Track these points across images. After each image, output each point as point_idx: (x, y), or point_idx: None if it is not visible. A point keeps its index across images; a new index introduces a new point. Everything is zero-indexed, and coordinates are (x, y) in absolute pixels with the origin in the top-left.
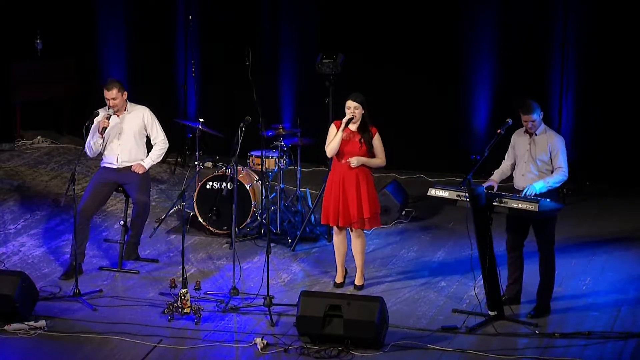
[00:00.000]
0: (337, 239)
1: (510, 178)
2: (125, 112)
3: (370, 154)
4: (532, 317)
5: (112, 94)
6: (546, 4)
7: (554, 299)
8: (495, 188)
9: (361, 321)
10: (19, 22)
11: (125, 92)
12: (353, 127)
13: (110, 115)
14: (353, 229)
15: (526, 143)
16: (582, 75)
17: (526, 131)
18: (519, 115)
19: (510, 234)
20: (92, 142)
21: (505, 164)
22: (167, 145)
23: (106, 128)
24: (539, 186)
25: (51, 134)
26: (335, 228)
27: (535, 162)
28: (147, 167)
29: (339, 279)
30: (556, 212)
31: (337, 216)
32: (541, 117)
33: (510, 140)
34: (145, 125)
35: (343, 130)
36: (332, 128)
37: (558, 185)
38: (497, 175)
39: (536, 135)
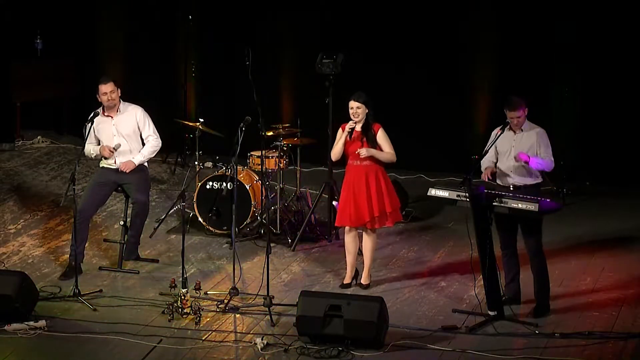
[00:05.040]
0: (348, 238)
1: None
2: (118, 112)
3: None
4: (533, 317)
5: (110, 87)
6: (546, 4)
7: (554, 299)
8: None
9: (361, 321)
10: (19, 22)
11: (119, 90)
12: (357, 126)
13: (116, 149)
14: (365, 228)
15: (510, 139)
16: (581, 75)
17: (510, 128)
18: (505, 112)
19: (501, 232)
20: (93, 156)
21: (488, 161)
22: (160, 144)
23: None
24: (533, 158)
25: (51, 134)
26: (345, 227)
27: None
28: (136, 164)
29: (347, 280)
30: (555, 212)
31: (350, 216)
32: (526, 112)
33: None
34: (138, 125)
35: (350, 134)
36: (339, 131)
37: (546, 169)
38: (486, 166)
39: (522, 131)
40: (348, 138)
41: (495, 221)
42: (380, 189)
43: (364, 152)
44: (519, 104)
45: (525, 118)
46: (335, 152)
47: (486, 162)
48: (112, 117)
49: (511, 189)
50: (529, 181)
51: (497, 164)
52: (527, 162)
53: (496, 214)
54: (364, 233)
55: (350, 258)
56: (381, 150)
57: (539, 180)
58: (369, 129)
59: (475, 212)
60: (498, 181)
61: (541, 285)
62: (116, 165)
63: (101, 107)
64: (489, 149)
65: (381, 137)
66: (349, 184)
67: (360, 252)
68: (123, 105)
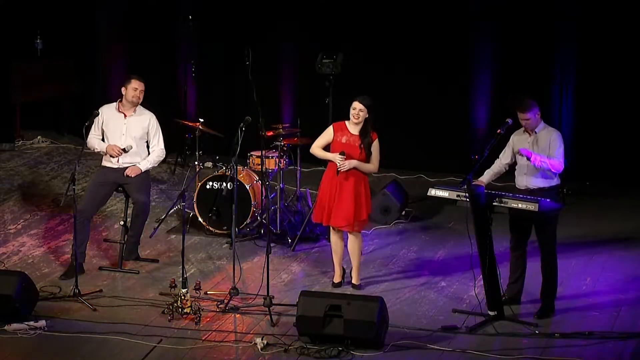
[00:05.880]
0: (334, 238)
1: (506, 178)
2: (133, 113)
3: (368, 159)
4: (537, 317)
5: (142, 86)
6: (546, 4)
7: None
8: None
9: (361, 321)
10: (19, 22)
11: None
12: (354, 129)
13: (129, 150)
14: (350, 230)
15: (526, 142)
16: (582, 75)
17: (526, 130)
18: (516, 114)
19: (513, 233)
20: (97, 150)
21: (500, 163)
22: (164, 155)
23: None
24: (538, 156)
25: (51, 134)
26: (331, 227)
27: None
28: (143, 170)
29: (336, 279)
30: (557, 211)
31: (330, 217)
32: (538, 115)
33: (508, 140)
34: (148, 131)
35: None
36: (329, 129)
37: (552, 168)
38: (487, 177)
39: (536, 133)
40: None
41: (508, 222)
42: (367, 192)
43: (346, 166)
44: (530, 105)
45: (536, 120)
46: (317, 155)
47: (495, 165)
48: (125, 116)
49: (528, 191)
50: (544, 184)
51: (516, 168)
52: (529, 158)
53: (511, 215)
54: (349, 234)
55: (336, 258)
56: (369, 159)
57: (555, 183)
58: (367, 135)
59: (475, 212)
60: (516, 184)
61: (548, 286)
62: (118, 165)
63: (117, 102)
64: (487, 150)
65: (375, 147)
66: (333, 182)
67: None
68: (139, 108)
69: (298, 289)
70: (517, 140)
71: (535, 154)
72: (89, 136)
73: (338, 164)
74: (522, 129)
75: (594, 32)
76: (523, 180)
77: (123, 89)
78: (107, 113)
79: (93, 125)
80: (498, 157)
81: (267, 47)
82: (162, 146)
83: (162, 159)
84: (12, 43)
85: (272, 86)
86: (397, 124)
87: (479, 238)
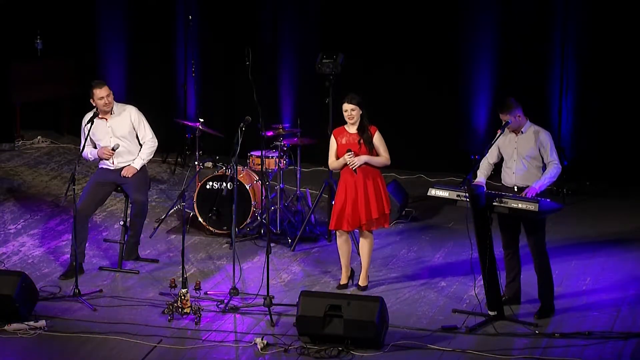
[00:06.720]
0: (341, 239)
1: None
2: (113, 114)
3: (372, 154)
4: (537, 318)
5: (106, 91)
6: (546, 3)
7: (554, 299)
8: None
9: (361, 321)
10: (19, 22)
11: (112, 93)
12: (352, 129)
13: (117, 148)
14: (362, 230)
15: (513, 141)
16: (582, 75)
17: (513, 130)
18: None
19: (503, 232)
20: (92, 159)
21: (488, 163)
22: (157, 143)
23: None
24: (538, 185)
25: (51, 134)
26: (338, 230)
27: (524, 159)
28: (138, 168)
29: (343, 280)
30: (557, 212)
31: (347, 220)
32: (518, 117)
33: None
34: (133, 125)
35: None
36: (331, 139)
37: (555, 179)
38: (482, 177)
39: (522, 133)
40: (346, 157)
41: (498, 221)
42: (378, 191)
43: (356, 163)
44: (510, 107)
45: (517, 122)
46: (334, 168)
47: (484, 165)
48: (106, 120)
49: (515, 189)
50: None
51: (502, 166)
52: (537, 193)
53: (499, 214)
54: (360, 235)
55: (344, 260)
56: (376, 153)
57: None
58: (365, 131)
59: (475, 212)
60: (503, 182)
61: (545, 286)
62: (114, 166)
63: (94, 110)
64: (488, 150)
65: (377, 140)
66: (346, 186)
67: (357, 253)
68: (117, 107)
69: (298, 289)
70: (504, 142)
71: (536, 183)
72: (84, 149)
73: (348, 162)
74: (504, 127)
75: (594, 32)
76: (512, 179)
77: (91, 100)
78: (108, 149)
79: (83, 138)
80: (484, 157)
81: (267, 47)
82: (152, 135)
83: (154, 148)
84: (12, 43)
85: (272, 86)
86: (397, 123)
87: (478, 238)
